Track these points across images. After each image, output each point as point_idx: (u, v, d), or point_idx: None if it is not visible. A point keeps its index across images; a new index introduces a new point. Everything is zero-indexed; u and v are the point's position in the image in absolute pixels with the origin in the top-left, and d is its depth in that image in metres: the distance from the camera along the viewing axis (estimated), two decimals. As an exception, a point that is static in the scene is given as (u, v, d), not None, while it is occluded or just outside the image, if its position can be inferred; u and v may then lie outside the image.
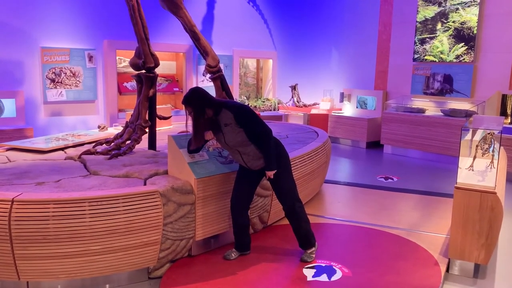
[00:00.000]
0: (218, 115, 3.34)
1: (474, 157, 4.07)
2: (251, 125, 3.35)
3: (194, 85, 8.96)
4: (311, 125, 8.34)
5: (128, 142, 4.58)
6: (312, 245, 3.63)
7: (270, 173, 3.39)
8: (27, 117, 6.90)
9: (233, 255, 3.64)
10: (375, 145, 9.30)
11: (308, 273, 3.39)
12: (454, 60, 8.22)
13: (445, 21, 8.33)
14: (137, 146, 4.63)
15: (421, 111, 8.48)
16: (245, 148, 3.40)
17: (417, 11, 8.71)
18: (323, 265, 3.53)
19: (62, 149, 4.73)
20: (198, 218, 3.50)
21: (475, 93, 8.04)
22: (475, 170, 3.97)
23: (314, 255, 3.60)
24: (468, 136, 4.33)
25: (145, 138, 4.72)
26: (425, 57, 8.64)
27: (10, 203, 2.88)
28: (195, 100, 3.28)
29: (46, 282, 3.08)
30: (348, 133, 9.50)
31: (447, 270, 3.61)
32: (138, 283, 3.33)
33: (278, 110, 10.21)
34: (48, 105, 7.11)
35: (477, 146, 4.07)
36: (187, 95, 3.31)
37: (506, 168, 4.65)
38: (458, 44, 8.15)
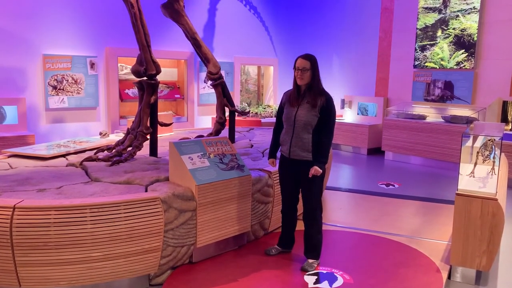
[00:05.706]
0: (313, 88, 3.46)
1: (475, 164, 4.07)
2: (329, 119, 3.44)
3: (195, 92, 9.02)
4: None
5: (129, 148, 4.59)
6: (317, 257, 3.65)
7: (317, 171, 3.41)
8: (29, 124, 6.92)
9: (273, 251, 3.84)
10: (376, 152, 9.30)
11: (310, 280, 3.39)
12: (455, 67, 8.24)
13: (446, 28, 8.36)
14: (138, 153, 4.64)
15: (422, 117, 8.49)
16: (303, 133, 3.44)
17: (418, 18, 8.75)
18: (325, 272, 3.53)
19: (63, 155, 4.74)
20: (199, 224, 3.51)
21: (475, 100, 8.05)
22: (476, 176, 3.97)
23: (315, 266, 3.60)
24: (469, 142, 4.33)
25: (146, 144, 4.74)
26: (426, 64, 8.66)
27: (11, 209, 2.88)
28: (315, 61, 3.50)
29: (47, 289, 3.08)
30: (349, 140, 9.50)
31: (449, 277, 3.61)
32: (139, 290, 3.33)
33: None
34: (50, 112, 7.14)
35: (478, 152, 4.07)
36: (310, 54, 3.52)
37: (507, 174, 4.64)
38: (459, 51, 8.17)
